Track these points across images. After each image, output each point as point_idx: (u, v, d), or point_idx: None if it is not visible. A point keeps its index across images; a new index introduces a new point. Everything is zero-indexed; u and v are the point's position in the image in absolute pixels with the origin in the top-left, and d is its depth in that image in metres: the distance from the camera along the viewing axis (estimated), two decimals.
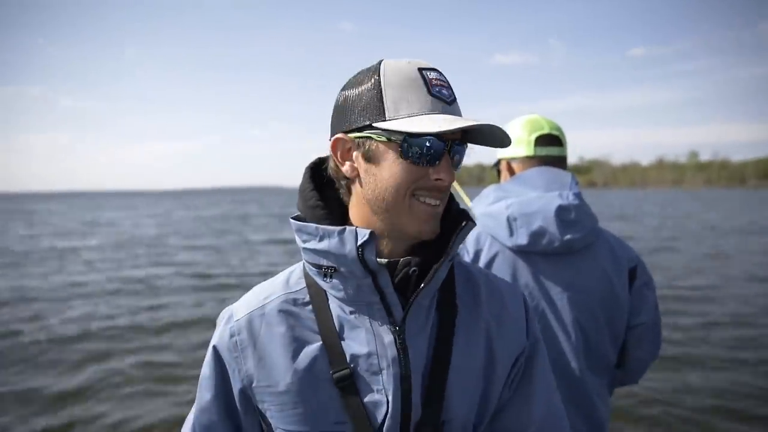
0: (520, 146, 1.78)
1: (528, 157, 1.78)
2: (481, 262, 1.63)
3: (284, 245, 17.81)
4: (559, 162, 1.79)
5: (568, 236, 1.60)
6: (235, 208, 49.28)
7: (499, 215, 1.63)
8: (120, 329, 7.57)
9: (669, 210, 34.33)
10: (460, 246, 1.55)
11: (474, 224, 0.97)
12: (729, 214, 31.27)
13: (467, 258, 1.63)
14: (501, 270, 1.62)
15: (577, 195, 1.64)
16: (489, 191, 1.75)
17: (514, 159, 1.80)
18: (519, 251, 1.63)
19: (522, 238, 1.60)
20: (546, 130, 1.78)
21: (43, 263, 14.22)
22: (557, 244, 1.60)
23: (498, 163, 1.91)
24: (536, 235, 1.60)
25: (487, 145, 0.95)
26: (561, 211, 1.60)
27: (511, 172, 1.81)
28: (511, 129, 1.82)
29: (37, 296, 9.87)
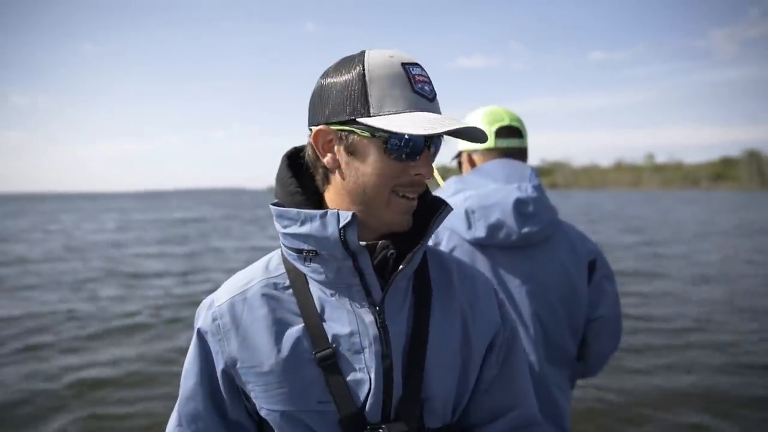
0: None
1: (488, 149, 1.78)
2: None
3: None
4: (520, 154, 1.80)
5: (525, 229, 1.60)
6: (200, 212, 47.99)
7: (457, 208, 1.62)
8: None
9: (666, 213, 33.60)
10: None
11: (452, 209, 1.01)
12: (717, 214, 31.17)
13: None
14: (477, 266, 1.61)
15: (536, 187, 1.65)
16: (449, 183, 1.74)
17: (474, 151, 1.81)
18: (477, 244, 1.63)
19: (480, 231, 1.61)
20: (506, 122, 1.79)
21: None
22: (515, 237, 1.61)
23: (459, 155, 1.91)
24: (494, 228, 1.60)
25: (463, 139, 0.98)
26: (519, 204, 1.60)
27: (472, 164, 1.82)
28: (472, 120, 1.81)
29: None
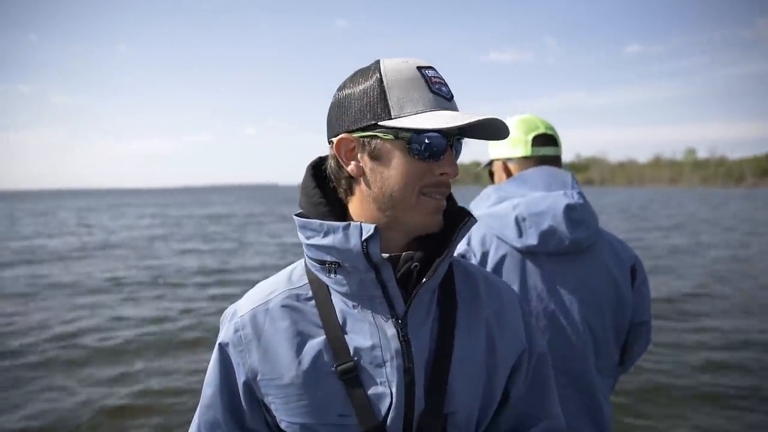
0: (517, 146, 1.76)
1: (525, 158, 1.76)
2: (489, 264, 1.61)
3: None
4: (555, 161, 1.79)
5: (576, 235, 1.59)
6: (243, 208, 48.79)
7: (507, 216, 1.61)
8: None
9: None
10: (467, 249, 1.63)
11: (476, 220, 1.00)
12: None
13: (474, 260, 1.61)
14: (510, 271, 1.61)
15: (581, 194, 1.64)
16: (489, 192, 1.74)
17: (510, 159, 1.79)
18: (527, 252, 1.61)
19: (532, 238, 1.58)
20: (542, 130, 1.78)
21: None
22: (567, 243, 1.59)
23: (490, 163, 1.90)
24: (546, 235, 1.58)
25: (484, 139, 0.98)
26: (569, 210, 1.58)
27: (508, 172, 1.80)
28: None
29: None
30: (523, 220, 1.59)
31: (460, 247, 1.62)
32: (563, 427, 1.11)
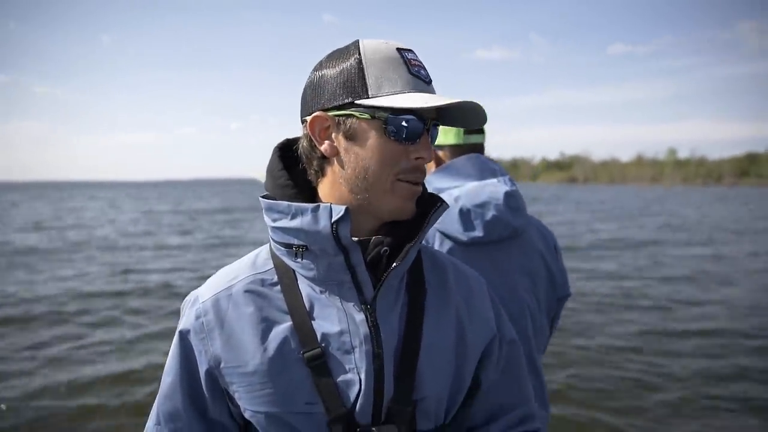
0: (449, 134, 1.73)
1: (456, 146, 1.73)
2: None
3: None
4: (482, 149, 1.78)
5: (517, 222, 1.61)
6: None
7: (450, 210, 1.57)
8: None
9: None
10: None
11: (448, 206, 1.00)
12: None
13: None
14: (470, 265, 1.57)
15: (512, 180, 1.65)
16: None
17: (441, 147, 1.75)
18: (472, 243, 1.59)
19: (478, 230, 1.57)
20: None
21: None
22: (509, 231, 1.60)
23: None
24: (491, 225, 1.58)
25: (460, 126, 0.98)
26: (508, 198, 1.59)
27: (438, 161, 1.76)
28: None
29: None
30: (468, 212, 1.58)
31: None
32: (536, 413, 1.11)
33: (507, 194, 1.59)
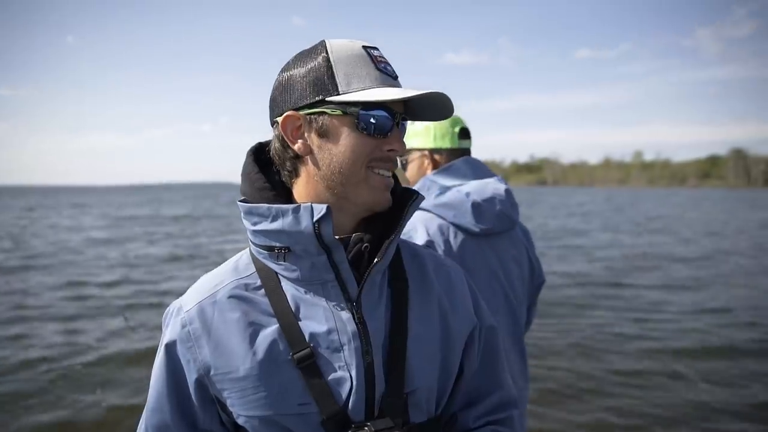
0: (445, 138, 1.87)
1: (453, 149, 1.87)
2: (453, 251, 1.70)
3: None
4: (470, 153, 1.95)
5: (515, 215, 1.80)
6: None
7: (462, 203, 1.72)
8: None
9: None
10: (430, 241, 1.70)
11: (423, 197, 1.01)
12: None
13: (440, 250, 1.69)
14: (473, 255, 1.73)
15: (504, 179, 1.86)
16: (425, 183, 1.82)
17: (438, 150, 1.88)
18: (482, 234, 1.74)
19: (489, 222, 1.73)
20: (462, 124, 1.91)
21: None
22: (510, 224, 1.79)
23: (409, 152, 1.93)
24: (499, 217, 1.74)
25: (428, 120, 1.00)
26: (509, 194, 1.78)
27: (435, 163, 1.88)
28: (426, 123, 1.91)
29: None
30: (479, 205, 1.72)
31: (420, 239, 1.69)
32: (515, 396, 1.13)
33: (507, 191, 1.78)
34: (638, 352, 6.18)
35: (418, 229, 1.72)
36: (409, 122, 1.00)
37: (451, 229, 1.73)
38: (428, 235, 1.70)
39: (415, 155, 1.92)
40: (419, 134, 1.89)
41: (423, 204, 1.76)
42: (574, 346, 6.34)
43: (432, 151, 1.88)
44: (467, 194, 1.73)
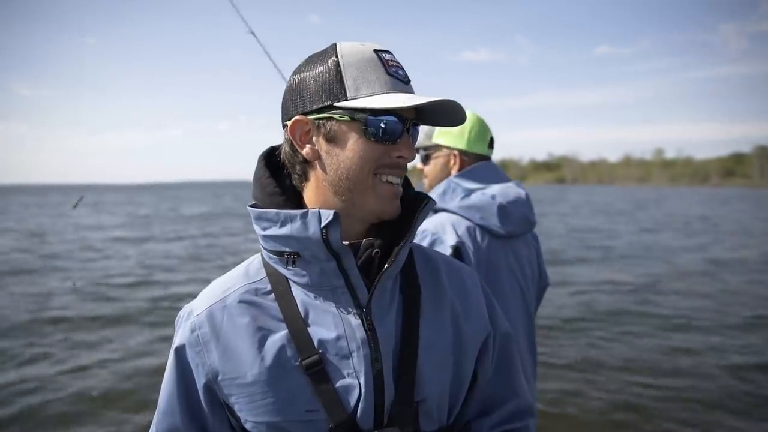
0: (479, 143, 1.90)
1: (481, 155, 1.91)
2: (481, 253, 1.74)
3: None
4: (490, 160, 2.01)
5: (534, 218, 1.89)
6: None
7: (489, 206, 1.76)
8: None
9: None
10: (459, 242, 1.73)
11: (435, 203, 1.00)
12: None
13: (470, 252, 1.73)
14: (498, 256, 1.78)
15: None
16: (452, 185, 1.84)
17: (467, 153, 1.90)
18: (506, 236, 1.79)
19: (514, 224, 1.79)
20: (491, 134, 1.96)
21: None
22: (529, 226, 1.86)
23: (436, 147, 1.93)
24: (522, 219, 1.82)
25: (441, 125, 0.98)
26: (527, 198, 1.85)
27: (462, 164, 1.90)
28: (470, 125, 1.91)
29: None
30: (504, 208, 1.77)
31: (450, 241, 1.71)
32: (530, 404, 1.11)
33: (527, 195, 1.85)
34: None
35: (447, 230, 1.74)
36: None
37: (478, 231, 1.76)
38: (457, 236, 1.72)
39: (443, 152, 1.92)
40: (452, 132, 1.89)
41: (450, 206, 1.80)
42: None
43: (462, 153, 1.89)
44: (493, 197, 1.77)
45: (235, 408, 0.93)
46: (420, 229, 1.77)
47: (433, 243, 1.73)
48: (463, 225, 1.76)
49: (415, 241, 1.75)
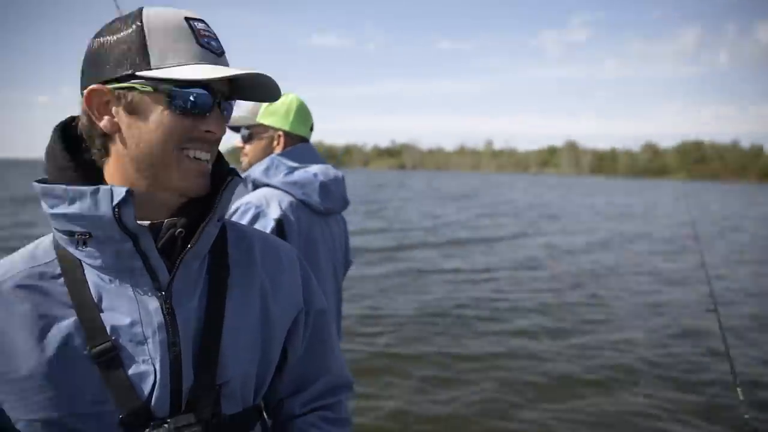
0: (303, 126, 2.00)
1: (302, 137, 2.00)
2: (302, 227, 1.81)
3: None
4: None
5: (347, 198, 2.03)
6: None
7: (311, 183, 1.86)
8: None
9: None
10: (283, 216, 1.75)
11: (241, 179, 0.96)
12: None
13: (293, 226, 1.78)
14: (316, 231, 1.88)
15: None
16: (276, 162, 1.89)
17: (292, 135, 1.97)
18: (324, 213, 1.92)
19: (333, 202, 1.92)
20: (312, 119, 2.06)
21: None
22: (344, 205, 2.02)
23: (261, 127, 1.97)
24: (339, 198, 1.96)
25: (255, 100, 0.95)
26: (343, 179, 1.99)
27: (286, 143, 1.97)
28: (295, 107, 1.98)
29: None
30: (326, 185, 1.89)
31: (274, 214, 1.75)
32: (346, 380, 1.13)
33: (342, 177, 1.98)
34: None
35: (271, 204, 1.78)
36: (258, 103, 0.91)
37: (300, 206, 1.84)
38: (281, 210, 1.77)
39: (268, 132, 1.97)
40: (277, 113, 1.95)
41: (273, 181, 1.85)
42: None
43: (286, 134, 1.96)
44: (315, 175, 1.87)
45: (5, 407, 0.83)
46: (244, 201, 1.80)
47: (256, 216, 1.75)
48: (286, 200, 1.81)
49: (238, 214, 1.76)
